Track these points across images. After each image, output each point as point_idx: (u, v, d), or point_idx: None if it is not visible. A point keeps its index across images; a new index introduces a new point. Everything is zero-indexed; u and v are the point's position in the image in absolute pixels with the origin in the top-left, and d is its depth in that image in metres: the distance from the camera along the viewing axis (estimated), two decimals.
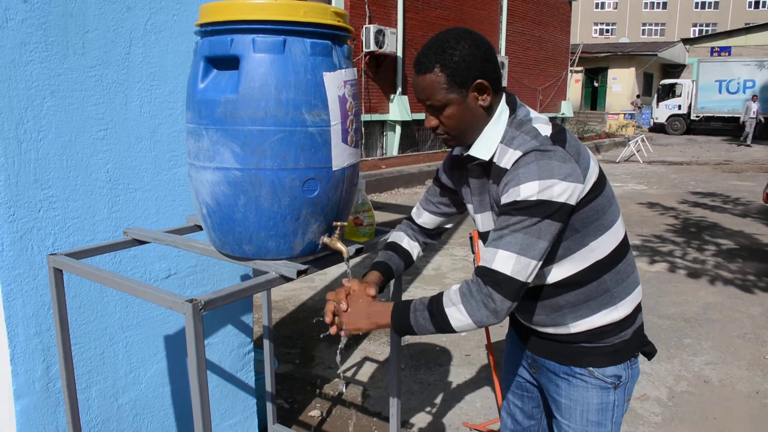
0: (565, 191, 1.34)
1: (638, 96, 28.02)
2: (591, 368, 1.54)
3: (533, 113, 1.48)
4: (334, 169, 1.47)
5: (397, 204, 9.14)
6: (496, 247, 1.36)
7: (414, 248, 1.74)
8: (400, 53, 13.54)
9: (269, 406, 2.49)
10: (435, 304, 1.41)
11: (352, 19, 12.10)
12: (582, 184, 1.38)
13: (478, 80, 1.39)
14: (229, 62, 1.42)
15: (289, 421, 3.00)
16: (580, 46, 27.34)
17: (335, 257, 1.62)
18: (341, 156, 1.49)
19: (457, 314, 1.37)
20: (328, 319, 1.48)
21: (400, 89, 13.74)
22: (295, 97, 1.40)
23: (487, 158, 1.45)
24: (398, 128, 13.81)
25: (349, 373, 3.58)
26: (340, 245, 1.52)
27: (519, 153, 1.38)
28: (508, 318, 1.67)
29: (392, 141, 13.94)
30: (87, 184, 1.89)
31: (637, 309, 1.59)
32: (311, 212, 1.47)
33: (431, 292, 4.92)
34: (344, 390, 3.36)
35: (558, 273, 1.48)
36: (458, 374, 3.54)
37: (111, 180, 1.94)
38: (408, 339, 3.97)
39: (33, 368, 1.82)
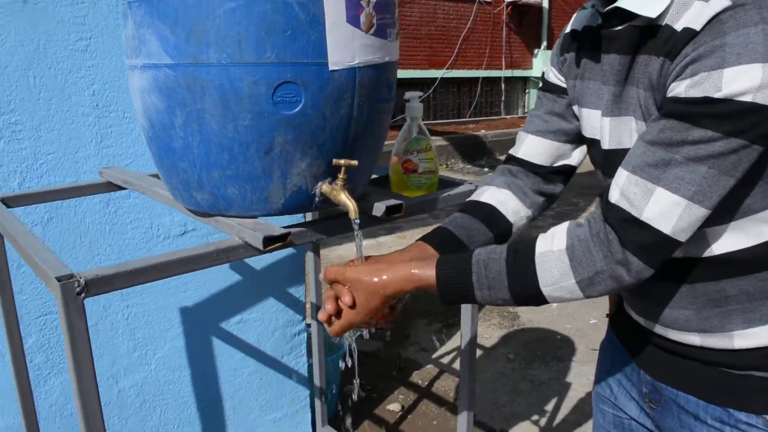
0: None
1: None
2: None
3: None
4: (331, 67, 0.88)
5: None
6: (654, 181, 0.77)
7: (515, 209, 1.04)
8: (546, 3, 12.33)
9: (317, 405, 1.99)
10: (521, 279, 0.84)
11: None
12: None
13: None
14: None
15: (362, 413, 2.50)
16: None
17: (348, 220, 1.03)
18: (347, 46, 0.89)
19: (561, 293, 0.83)
20: (322, 316, 0.91)
21: (545, 43, 12.56)
22: None
23: (654, 14, 0.79)
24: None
25: (445, 359, 3.01)
26: (344, 197, 0.93)
27: (724, 3, 0.73)
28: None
29: (535, 99, 12.88)
30: (65, 109, 1.45)
31: None
32: (292, 140, 0.90)
33: None
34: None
35: (734, 239, 0.84)
36: (580, 373, 2.83)
37: (99, 106, 1.49)
38: (524, 323, 3.31)
39: None
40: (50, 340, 1.50)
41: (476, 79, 11.24)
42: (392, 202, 1.07)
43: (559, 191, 1.08)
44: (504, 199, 1.04)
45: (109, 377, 1.62)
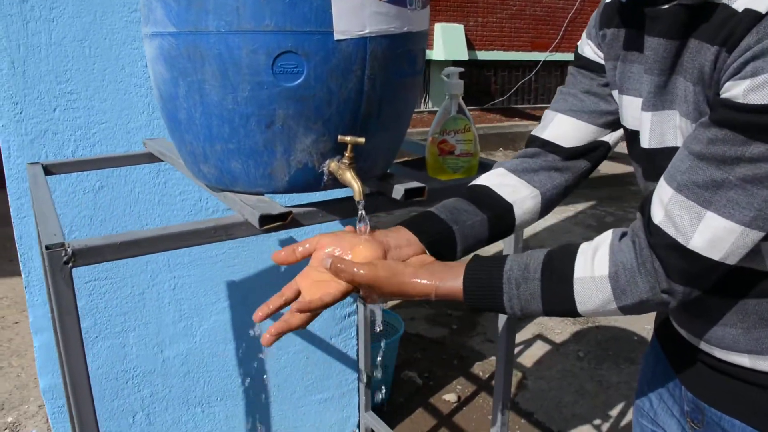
0: None
1: None
2: None
3: None
4: (337, 37, 0.82)
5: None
6: (703, 204, 0.66)
7: (514, 188, 0.91)
8: None
9: (362, 389, 1.96)
10: (557, 302, 0.76)
11: None
12: None
13: None
14: None
15: (417, 400, 2.45)
16: None
17: (370, 201, 0.97)
18: (356, 14, 0.82)
19: (600, 314, 0.76)
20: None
21: None
22: None
23: None
24: None
25: None
26: (349, 176, 0.87)
27: None
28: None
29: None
30: (118, 80, 1.48)
31: None
32: (295, 114, 0.85)
33: None
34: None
35: None
36: None
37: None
38: (599, 320, 3.13)
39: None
40: (98, 305, 1.56)
41: None
42: (414, 184, 1.00)
43: (583, 167, 0.93)
44: (500, 180, 0.92)
45: (155, 345, 1.67)
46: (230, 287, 1.73)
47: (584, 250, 0.75)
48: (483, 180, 0.93)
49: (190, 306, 1.69)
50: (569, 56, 9.63)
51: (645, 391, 1.05)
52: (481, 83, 8.31)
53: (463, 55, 7.63)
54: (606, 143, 0.92)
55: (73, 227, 1.49)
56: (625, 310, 0.73)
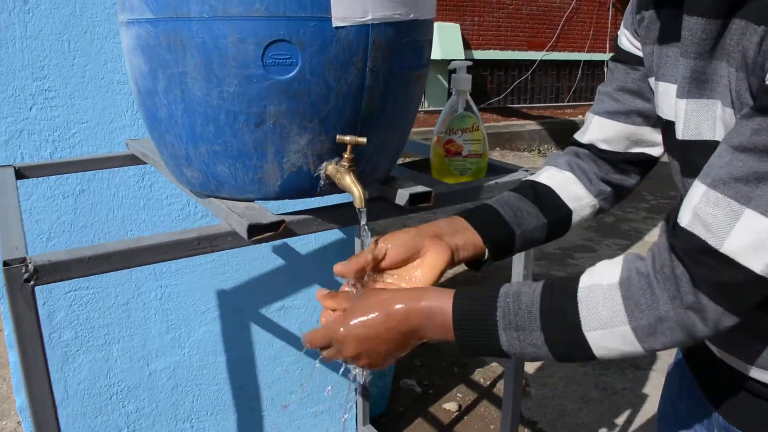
0: None
1: None
2: None
3: None
4: (336, 23, 0.73)
5: None
6: (742, 200, 0.57)
7: (577, 195, 0.87)
8: None
9: (359, 402, 1.87)
10: (558, 318, 0.65)
11: None
12: None
13: None
14: None
15: (416, 410, 2.36)
16: None
17: (372, 207, 0.88)
18: None
19: (611, 342, 0.63)
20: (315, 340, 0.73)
21: None
22: None
23: None
24: None
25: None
26: (349, 180, 0.78)
27: None
28: None
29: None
30: (100, 76, 1.38)
31: None
32: (288, 111, 0.76)
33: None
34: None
35: None
36: (659, 385, 2.51)
37: None
38: None
39: None
40: (79, 316, 1.46)
41: (577, 62, 10.68)
42: (419, 188, 0.91)
43: (632, 183, 0.90)
44: (564, 182, 0.87)
45: (140, 358, 1.57)
46: (220, 296, 1.64)
47: (592, 267, 0.68)
48: (546, 178, 0.88)
49: (177, 316, 1.59)
50: (566, 55, 9.59)
51: (669, 413, 0.97)
52: (478, 83, 8.25)
53: (460, 54, 7.56)
54: (651, 156, 0.87)
55: (52, 234, 1.39)
56: (641, 333, 0.61)
